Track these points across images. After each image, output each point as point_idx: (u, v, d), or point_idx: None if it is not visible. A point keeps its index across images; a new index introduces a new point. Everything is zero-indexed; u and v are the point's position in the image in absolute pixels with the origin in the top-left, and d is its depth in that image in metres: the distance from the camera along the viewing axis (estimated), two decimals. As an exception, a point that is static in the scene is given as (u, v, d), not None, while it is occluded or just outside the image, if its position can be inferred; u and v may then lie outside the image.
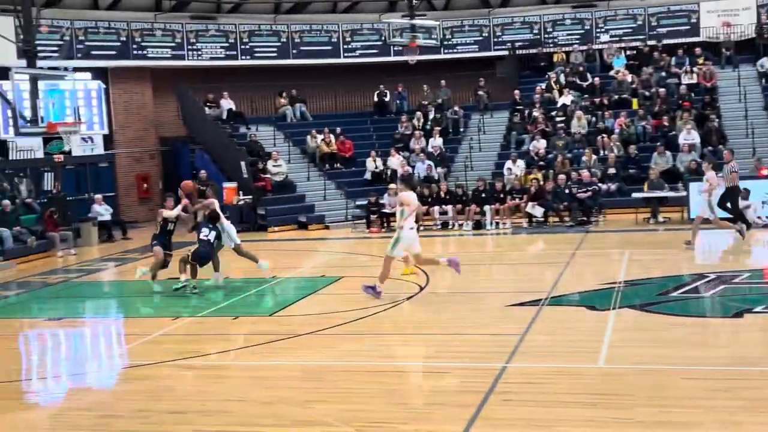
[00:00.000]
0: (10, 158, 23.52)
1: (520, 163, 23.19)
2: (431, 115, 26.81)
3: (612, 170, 22.38)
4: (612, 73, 27.37)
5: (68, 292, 14.87)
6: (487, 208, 21.15)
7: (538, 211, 20.79)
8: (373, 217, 21.83)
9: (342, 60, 28.82)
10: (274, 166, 24.33)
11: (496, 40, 29.57)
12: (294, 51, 28.33)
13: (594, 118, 25.32)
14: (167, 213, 14.31)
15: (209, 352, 10.16)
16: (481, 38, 29.58)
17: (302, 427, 7.30)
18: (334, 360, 9.57)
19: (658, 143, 22.88)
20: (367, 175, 24.83)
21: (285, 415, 7.60)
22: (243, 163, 23.60)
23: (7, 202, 20.00)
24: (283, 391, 8.35)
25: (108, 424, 7.71)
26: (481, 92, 27.91)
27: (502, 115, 27.32)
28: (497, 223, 21.03)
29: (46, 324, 12.86)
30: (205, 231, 13.96)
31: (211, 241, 13.97)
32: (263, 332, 11.09)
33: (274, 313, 12.41)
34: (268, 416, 7.61)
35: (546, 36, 29.47)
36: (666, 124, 24.03)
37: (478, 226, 21.04)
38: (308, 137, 25.91)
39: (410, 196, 12.76)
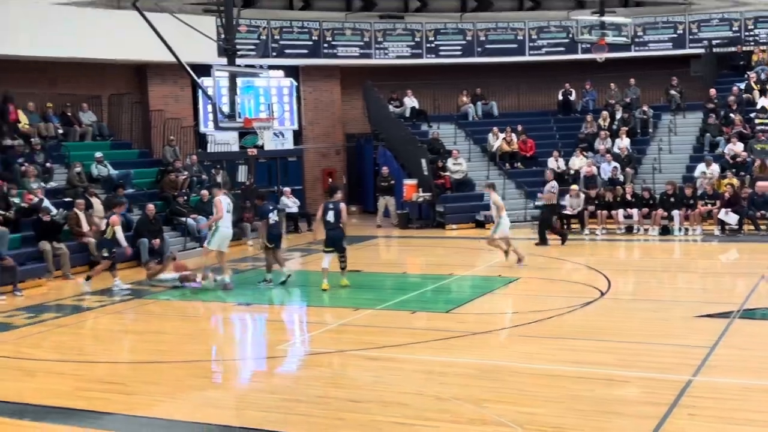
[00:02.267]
0: (209, 151, 24.98)
1: (714, 166, 21.99)
2: (618, 115, 25.97)
3: (817, 177, 20.80)
4: (820, 72, 25.40)
5: (257, 279, 15.59)
6: (675, 213, 20.24)
7: (731, 219, 19.64)
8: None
9: (527, 58, 28.47)
10: (454, 164, 24.43)
11: (691, 37, 28.19)
12: (479, 49, 28.28)
13: (798, 121, 23.60)
14: None
15: (387, 344, 10.37)
16: (675, 35, 28.29)
17: (477, 426, 7.30)
18: (510, 360, 9.50)
19: None
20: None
21: (460, 412, 7.62)
22: (423, 161, 23.86)
23: (205, 192, 21.27)
24: (458, 388, 8.38)
25: (290, 407, 8.04)
26: (673, 91, 26.72)
27: (696, 116, 26.02)
28: (686, 230, 20.08)
29: (236, 308, 13.57)
30: None
31: None
32: (439, 328, 11.18)
33: (451, 310, 12.48)
34: (443, 412, 7.67)
35: (746, 33, 27.75)
36: None
37: (665, 231, 20.18)
38: (490, 135, 25.82)
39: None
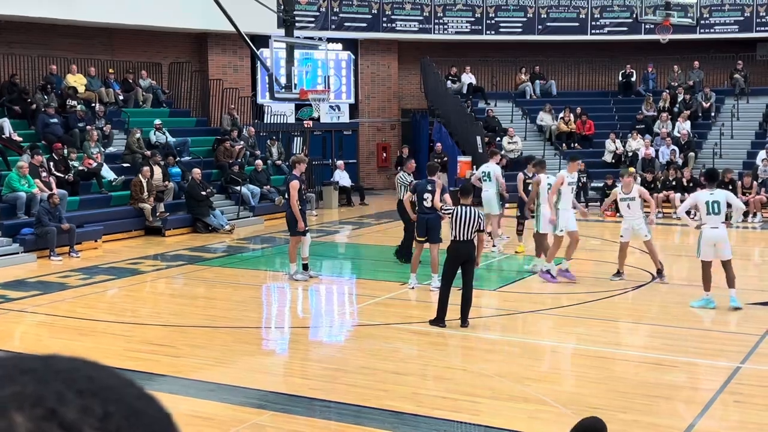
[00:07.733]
0: (265, 122, 25.18)
1: (777, 153, 21.45)
2: (680, 98, 25.44)
3: None
4: None
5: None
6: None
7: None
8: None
9: (589, 37, 28.01)
10: (509, 143, 24.23)
11: (759, 20, 27.41)
12: (540, 27, 27.90)
13: None
14: None
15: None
16: (742, 18, 27.53)
17: (518, 403, 7.30)
18: (556, 340, 9.46)
19: None
20: (607, 157, 24.07)
21: (501, 389, 7.63)
22: (479, 138, 23.72)
23: (260, 162, 21.47)
24: (501, 366, 8.38)
25: (335, 377, 8.14)
26: (737, 75, 26.07)
27: (760, 102, 25.36)
28: (745, 216, 19.66)
29: (287, 278, 13.71)
30: None
31: None
32: (486, 306, 11.16)
33: (498, 289, 12.45)
34: (484, 388, 7.68)
35: (818, 16, 26.89)
36: None
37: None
38: (541, 111, 25.54)
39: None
